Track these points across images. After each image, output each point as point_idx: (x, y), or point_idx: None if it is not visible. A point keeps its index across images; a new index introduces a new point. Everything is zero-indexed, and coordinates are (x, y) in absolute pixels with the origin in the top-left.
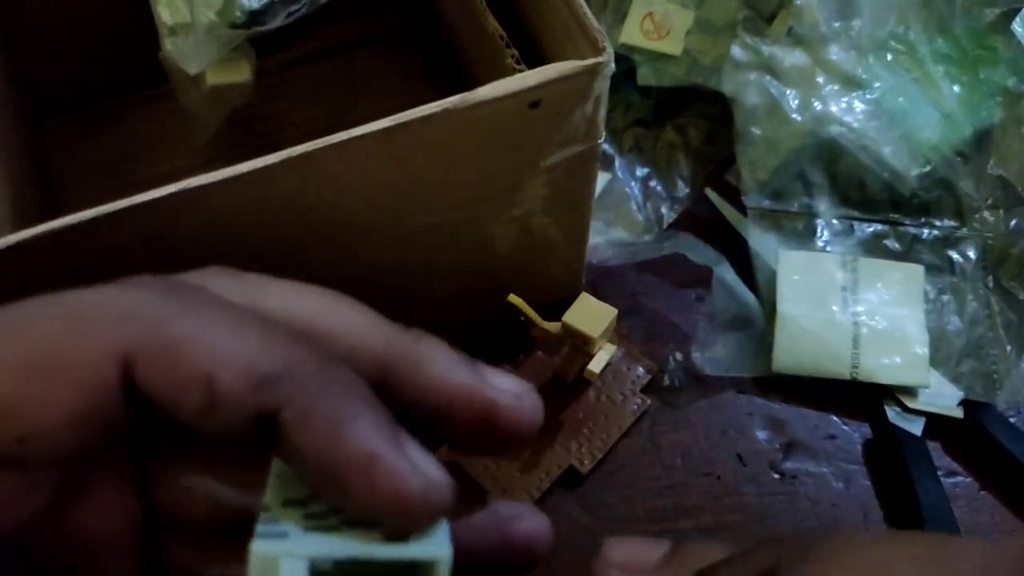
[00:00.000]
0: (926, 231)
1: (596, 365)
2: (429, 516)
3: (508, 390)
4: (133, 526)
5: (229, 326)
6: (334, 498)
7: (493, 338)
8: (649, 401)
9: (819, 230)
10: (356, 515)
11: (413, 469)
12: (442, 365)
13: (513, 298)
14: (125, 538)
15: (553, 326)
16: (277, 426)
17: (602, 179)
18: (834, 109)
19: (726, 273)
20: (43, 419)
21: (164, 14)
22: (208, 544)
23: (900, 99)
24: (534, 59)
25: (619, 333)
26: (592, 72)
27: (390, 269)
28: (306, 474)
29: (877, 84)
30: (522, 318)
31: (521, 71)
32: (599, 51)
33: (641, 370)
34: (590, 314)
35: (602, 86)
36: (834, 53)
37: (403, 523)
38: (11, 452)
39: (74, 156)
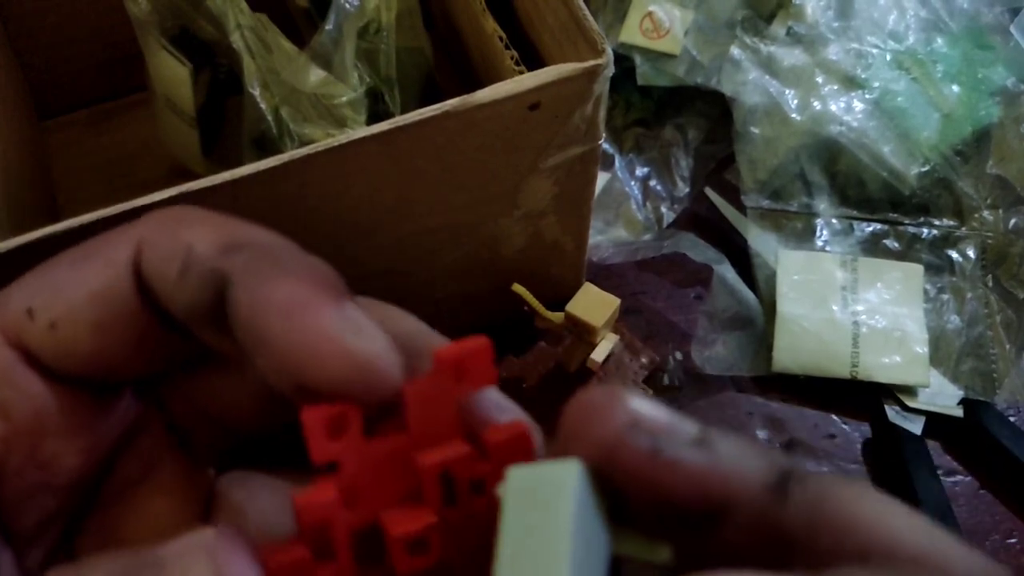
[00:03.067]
0: (925, 230)
1: (599, 355)
2: (392, 377)
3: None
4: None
5: (222, 218)
6: (259, 363)
7: (497, 330)
8: (651, 392)
9: (819, 229)
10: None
11: (338, 319)
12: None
13: (517, 287)
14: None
15: (556, 316)
16: (224, 290)
17: (602, 178)
18: (833, 108)
19: (726, 272)
20: (67, 297)
21: None
22: None
23: (899, 99)
24: (533, 60)
25: (619, 329)
26: (591, 74)
27: (391, 271)
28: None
29: (876, 84)
30: (526, 307)
31: (520, 72)
32: (598, 53)
33: (643, 360)
34: (593, 304)
35: (601, 88)
36: (833, 53)
37: (327, 379)
38: (45, 344)
39: (75, 157)
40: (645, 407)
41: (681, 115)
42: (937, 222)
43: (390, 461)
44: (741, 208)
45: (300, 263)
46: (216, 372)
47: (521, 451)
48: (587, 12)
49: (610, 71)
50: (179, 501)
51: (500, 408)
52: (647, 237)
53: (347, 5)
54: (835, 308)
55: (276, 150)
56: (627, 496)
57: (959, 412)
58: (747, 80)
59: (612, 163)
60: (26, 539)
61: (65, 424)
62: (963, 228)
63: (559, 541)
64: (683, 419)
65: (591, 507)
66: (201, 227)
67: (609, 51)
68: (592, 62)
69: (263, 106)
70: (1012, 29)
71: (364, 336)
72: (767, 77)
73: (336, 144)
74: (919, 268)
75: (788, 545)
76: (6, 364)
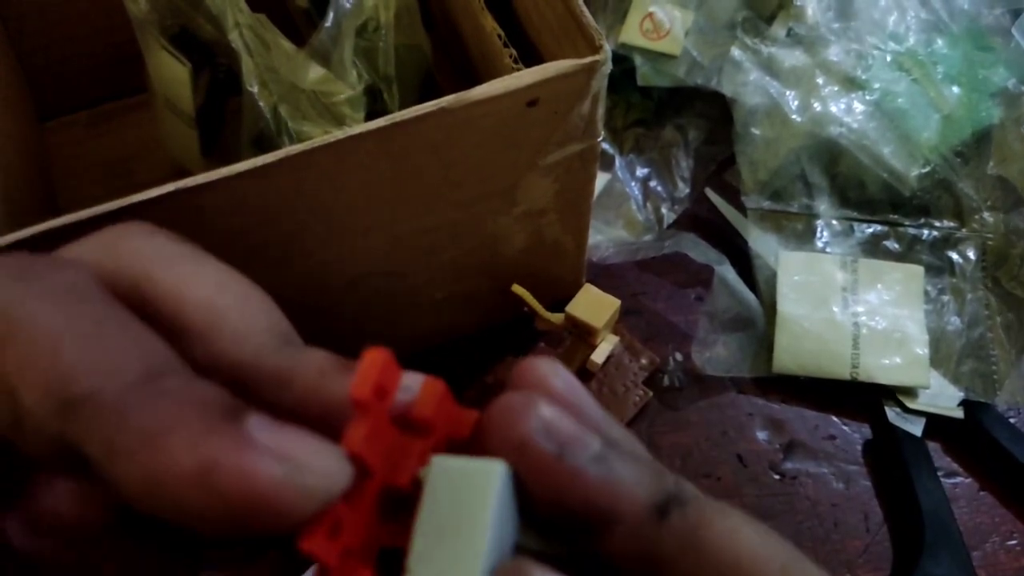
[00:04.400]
0: (926, 232)
1: (599, 356)
2: (305, 503)
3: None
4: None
5: (40, 326)
6: (181, 524)
7: (497, 331)
8: (651, 393)
9: (819, 231)
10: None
11: (264, 458)
12: (316, 375)
13: (517, 288)
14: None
15: (556, 317)
16: (87, 462)
17: (602, 179)
18: (834, 110)
19: (727, 273)
20: None
21: None
22: None
23: (900, 100)
24: (533, 59)
25: (620, 330)
26: (589, 70)
27: (390, 272)
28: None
29: (877, 85)
30: (526, 308)
31: (519, 70)
32: (596, 49)
33: (643, 361)
34: (593, 305)
35: (599, 84)
36: (834, 54)
37: (277, 524)
38: None
39: (75, 158)
40: (557, 417)
41: (681, 116)
42: (937, 223)
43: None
44: (741, 209)
45: (148, 410)
46: None
47: (444, 403)
48: (585, 9)
49: (608, 67)
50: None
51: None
52: (647, 238)
53: (346, 3)
54: (835, 309)
55: (275, 149)
56: (531, 495)
57: (959, 413)
58: (747, 81)
59: (612, 164)
60: None
61: None
62: (963, 229)
63: (477, 538)
64: (589, 434)
65: (507, 505)
66: (21, 352)
67: (607, 47)
68: (590, 58)
69: (261, 104)
70: (1013, 31)
71: (298, 469)
72: (767, 78)
73: (333, 140)
74: (919, 269)
75: (661, 564)
76: None
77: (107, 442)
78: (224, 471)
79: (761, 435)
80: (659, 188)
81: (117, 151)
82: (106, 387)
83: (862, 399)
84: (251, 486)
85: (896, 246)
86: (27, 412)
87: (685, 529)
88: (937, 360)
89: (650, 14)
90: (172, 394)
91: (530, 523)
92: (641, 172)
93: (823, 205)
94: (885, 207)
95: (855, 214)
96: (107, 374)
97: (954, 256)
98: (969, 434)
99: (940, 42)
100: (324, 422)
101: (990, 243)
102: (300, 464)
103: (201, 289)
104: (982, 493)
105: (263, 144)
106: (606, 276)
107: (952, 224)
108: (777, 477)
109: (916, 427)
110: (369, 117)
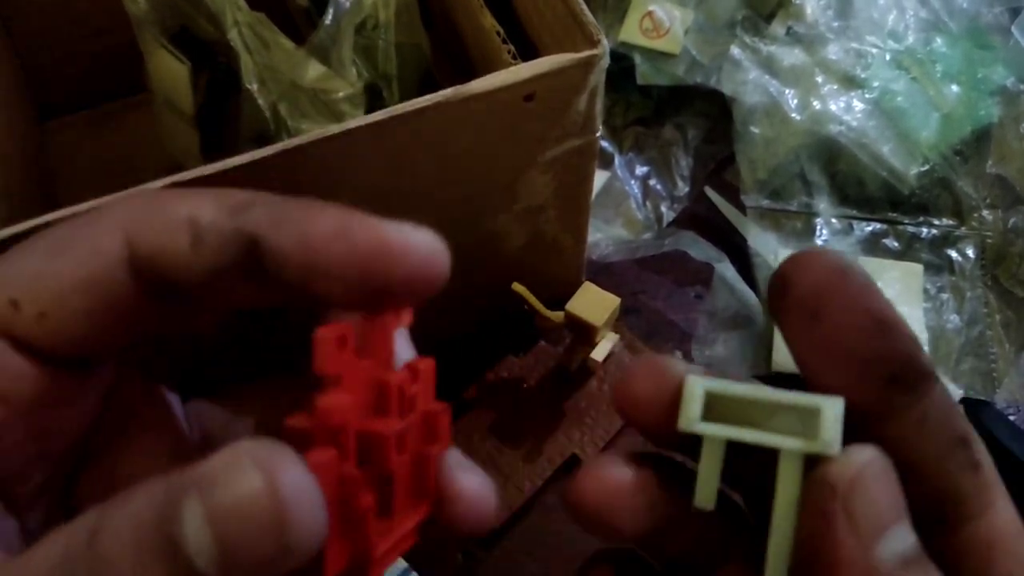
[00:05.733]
0: (925, 230)
1: (599, 354)
2: (418, 261)
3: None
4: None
5: (203, 190)
6: (324, 288)
7: (497, 330)
8: None
9: (818, 229)
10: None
11: (387, 223)
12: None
13: (517, 287)
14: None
15: (556, 315)
16: (256, 245)
17: (602, 177)
18: (833, 108)
19: (726, 271)
20: (55, 287)
21: None
22: None
23: (899, 98)
24: (532, 57)
25: (619, 328)
26: (587, 65)
27: None
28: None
29: (876, 83)
30: (526, 307)
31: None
32: (594, 44)
33: None
34: (593, 303)
35: (597, 79)
36: (833, 52)
37: (396, 273)
38: (33, 333)
39: (76, 157)
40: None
41: (681, 114)
42: (936, 222)
43: (367, 378)
44: (741, 207)
45: (311, 202)
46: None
47: (431, 377)
48: (584, 7)
49: (606, 62)
50: (164, 434)
51: (406, 349)
52: (647, 236)
53: (345, 1)
54: None
55: None
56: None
57: None
58: (747, 80)
59: (612, 162)
60: (27, 504)
61: (57, 398)
62: (962, 228)
63: None
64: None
65: None
66: (193, 199)
67: (605, 42)
68: (587, 52)
69: (261, 102)
70: (1012, 29)
71: (420, 232)
72: (767, 77)
73: (329, 134)
74: (918, 267)
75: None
76: None
77: (273, 217)
78: (357, 228)
79: None
80: (659, 186)
81: (117, 151)
82: (261, 195)
83: None
84: (377, 234)
85: (895, 244)
86: (207, 224)
87: None
88: (937, 358)
89: (650, 13)
90: (307, 200)
91: None
92: (641, 170)
93: (822, 203)
94: (884, 205)
95: (854, 212)
96: (251, 192)
97: (953, 254)
98: None
99: (939, 41)
100: None
101: (989, 241)
102: (409, 230)
103: None
104: None
105: (263, 142)
106: (606, 274)
107: (951, 222)
108: None
109: None
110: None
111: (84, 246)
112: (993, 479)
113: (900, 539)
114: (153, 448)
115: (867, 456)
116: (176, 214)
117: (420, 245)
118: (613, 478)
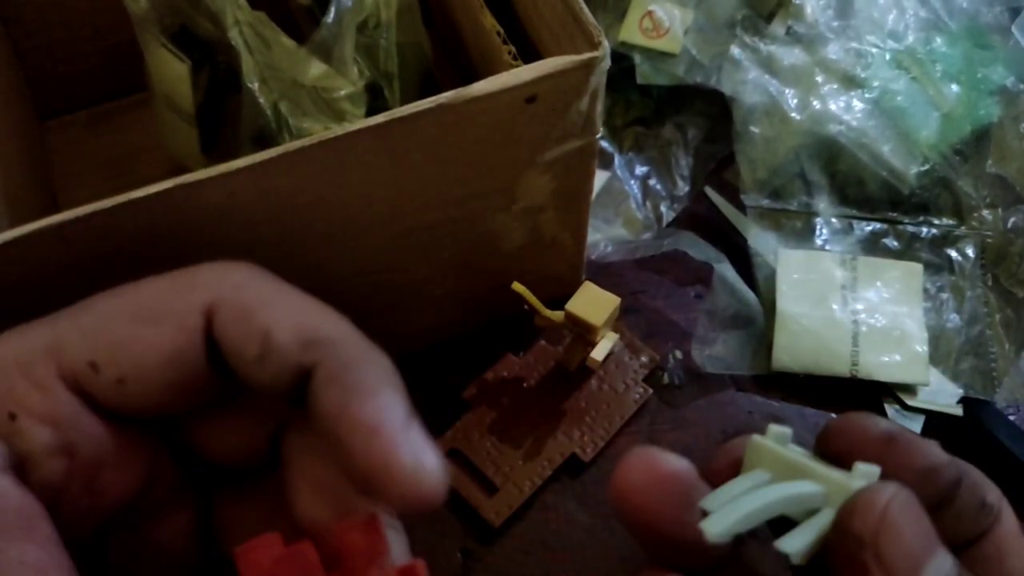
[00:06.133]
0: (925, 229)
1: (599, 354)
2: (415, 496)
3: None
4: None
5: (293, 300)
6: (341, 460)
7: (497, 329)
8: (651, 391)
9: (818, 229)
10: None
11: (410, 449)
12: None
13: (517, 286)
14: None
15: (556, 315)
16: (309, 383)
17: (601, 177)
18: (833, 108)
19: (726, 271)
20: (139, 358)
21: None
22: None
23: (899, 98)
24: (532, 57)
25: (619, 328)
26: (588, 67)
27: (389, 268)
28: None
29: (876, 83)
30: (526, 307)
31: (518, 67)
32: (595, 46)
33: (643, 359)
34: (593, 302)
35: (598, 81)
36: (833, 52)
37: (392, 497)
38: (109, 396)
39: (76, 157)
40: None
41: (681, 114)
42: (936, 221)
43: None
44: (741, 207)
45: (373, 366)
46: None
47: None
48: (584, 7)
49: (606, 64)
50: (191, 514)
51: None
52: (647, 236)
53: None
54: (835, 307)
55: (275, 146)
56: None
57: (959, 411)
58: (747, 79)
59: (611, 162)
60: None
61: (119, 456)
62: (962, 227)
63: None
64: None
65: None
66: (277, 310)
67: (606, 44)
68: (589, 54)
69: (262, 101)
70: (1012, 29)
71: (427, 463)
72: (767, 76)
73: (331, 136)
74: (918, 267)
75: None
76: (72, 411)
77: (332, 373)
78: (384, 439)
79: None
80: (658, 186)
81: (117, 150)
82: (336, 334)
83: (862, 397)
84: (393, 460)
85: (895, 244)
86: (277, 345)
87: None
88: (936, 358)
89: (650, 12)
90: (376, 364)
91: None
92: (640, 170)
93: (822, 203)
94: (884, 205)
95: (854, 212)
96: (338, 329)
97: (953, 254)
98: (968, 431)
99: (939, 40)
100: None
101: (989, 241)
102: (425, 467)
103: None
104: None
105: (263, 141)
106: (606, 274)
107: (951, 222)
108: None
109: (915, 424)
110: (370, 114)
111: (171, 321)
112: (998, 497)
113: (937, 569)
114: (177, 527)
115: (887, 495)
116: (256, 321)
117: (422, 484)
118: (667, 465)
